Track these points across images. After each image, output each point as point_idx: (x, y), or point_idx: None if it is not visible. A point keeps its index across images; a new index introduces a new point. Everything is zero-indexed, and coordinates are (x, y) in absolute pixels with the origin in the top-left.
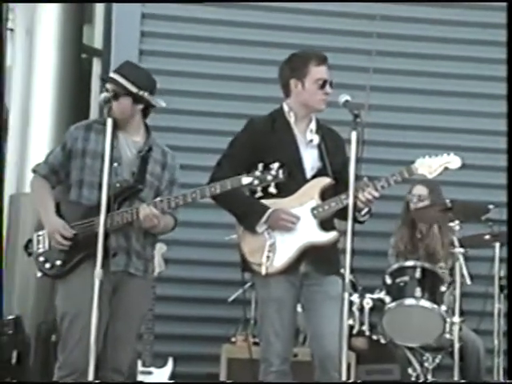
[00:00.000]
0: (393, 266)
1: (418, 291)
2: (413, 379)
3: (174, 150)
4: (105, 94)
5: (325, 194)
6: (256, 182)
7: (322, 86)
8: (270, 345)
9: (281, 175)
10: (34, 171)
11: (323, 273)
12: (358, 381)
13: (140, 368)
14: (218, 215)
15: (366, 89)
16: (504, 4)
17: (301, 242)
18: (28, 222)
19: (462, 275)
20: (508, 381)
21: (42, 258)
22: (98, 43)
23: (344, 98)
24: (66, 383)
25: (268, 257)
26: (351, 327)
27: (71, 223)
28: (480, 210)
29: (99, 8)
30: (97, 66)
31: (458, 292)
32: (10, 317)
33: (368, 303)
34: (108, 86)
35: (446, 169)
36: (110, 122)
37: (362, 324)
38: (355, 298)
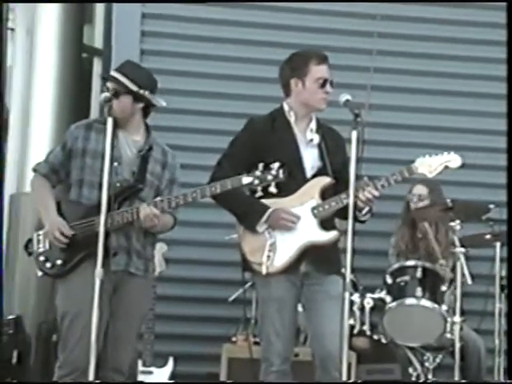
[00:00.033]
0: (393, 266)
1: (418, 291)
2: (413, 379)
3: (175, 149)
4: (105, 94)
5: (325, 194)
6: (256, 181)
7: (323, 85)
8: (271, 344)
9: (281, 175)
10: (35, 170)
11: (324, 272)
12: (359, 380)
13: (140, 368)
14: (219, 215)
15: (367, 88)
16: (504, 4)
17: (301, 241)
18: (28, 222)
19: (463, 275)
20: (509, 381)
21: (42, 258)
22: (98, 43)
23: (344, 97)
24: (66, 383)
25: (268, 256)
26: (352, 327)
27: (71, 223)
28: (481, 209)
29: (99, 8)
30: (97, 66)
31: (458, 292)
32: (11, 316)
33: (369, 303)
34: (109, 84)
35: (446, 168)
36: (110, 121)
37: (362, 324)
38: (356, 297)
